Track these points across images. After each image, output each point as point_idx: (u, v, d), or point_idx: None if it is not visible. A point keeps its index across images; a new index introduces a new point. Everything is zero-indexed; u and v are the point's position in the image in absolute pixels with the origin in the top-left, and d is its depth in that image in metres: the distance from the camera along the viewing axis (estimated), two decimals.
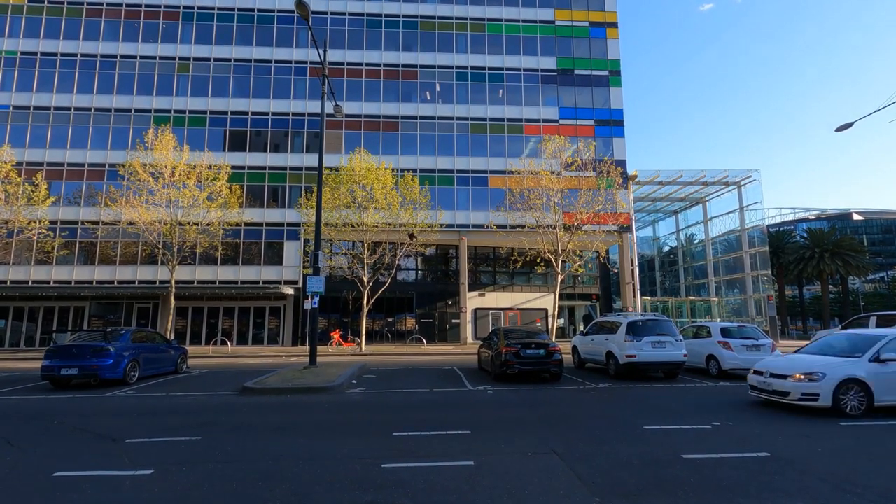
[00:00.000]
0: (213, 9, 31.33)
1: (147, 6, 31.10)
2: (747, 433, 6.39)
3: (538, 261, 25.12)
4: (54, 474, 4.82)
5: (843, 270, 40.54)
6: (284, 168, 29.93)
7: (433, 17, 32.31)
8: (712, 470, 4.81)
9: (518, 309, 31.58)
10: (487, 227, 27.68)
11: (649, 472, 4.76)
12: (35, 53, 30.06)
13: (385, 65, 31.47)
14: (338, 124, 29.78)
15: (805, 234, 46.41)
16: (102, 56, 30.35)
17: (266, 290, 27.61)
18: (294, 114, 30.49)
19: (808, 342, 11.30)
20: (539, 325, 31.19)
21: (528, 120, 31.43)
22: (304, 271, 26.64)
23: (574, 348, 15.45)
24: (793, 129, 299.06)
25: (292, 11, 30.75)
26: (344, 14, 31.86)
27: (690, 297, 40.51)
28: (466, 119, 31.15)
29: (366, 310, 23.61)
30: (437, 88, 31.55)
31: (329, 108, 18.27)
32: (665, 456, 5.30)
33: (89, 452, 5.72)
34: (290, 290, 27.91)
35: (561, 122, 31.39)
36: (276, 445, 5.87)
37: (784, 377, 7.78)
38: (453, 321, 30.35)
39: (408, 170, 26.66)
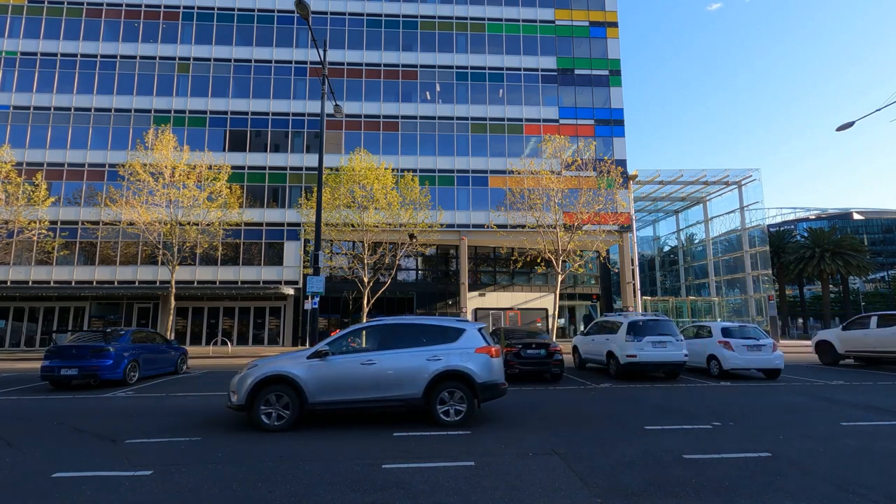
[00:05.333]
0: (213, 9, 31.32)
1: (147, 6, 31.10)
2: (749, 433, 6.38)
3: (538, 261, 25.10)
4: (53, 475, 4.81)
5: (844, 270, 40.45)
6: (284, 168, 29.92)
7: (433, 17, 32.29)
8: (714, 470, 4.79)
9: (518, 309, 31.56)
10: (488, 227, 27.66)
11: (651, 472, 4.74)
12: (35, 54, 30.06)
13: (385, 65, 31.45)
14: (338, 124, 29.77)
15: (805, 234, 46.32)
16: (102, 56, 30.36)
17: (266, 290, 27.59)
18: (294, 114, 30.48)
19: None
20: (539, 324, 31.17)
21: (528, 120, 31.41)
22: (304, 271, 26.64)
23: (575, 348, 15.43)
24: (794, 128, 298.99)
25: (292, 11, 30.76)
26: (344, 14, 31.85)
27: (691, 297, 40.47)
28: (466, 119, 31.14)
29: (366, 310, 23.58)
30: (437, 88, 31.53)
31: (329, 108, 18.28)
32: (666, 456, 5.28)
33: (89, 453, 5.70)
34: (290, 291, 27.90)
35: (561, 121, 31.37)
36: (275, 446, 5.86)
37: None
38: None
39: (408, 170, 26.63)
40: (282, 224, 29.22)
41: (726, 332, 12.65)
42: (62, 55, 30.15)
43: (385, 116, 30.83)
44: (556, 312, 23.98)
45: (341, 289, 27.66)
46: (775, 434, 6.31)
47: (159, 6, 31.15)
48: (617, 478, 4.59)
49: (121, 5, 31.00)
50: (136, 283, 28.15)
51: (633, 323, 12.08)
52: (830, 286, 47.10)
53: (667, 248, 49.75)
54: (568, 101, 31.74)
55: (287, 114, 30.46)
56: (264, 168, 29.83)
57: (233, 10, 31.41)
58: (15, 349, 27.17)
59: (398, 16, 32.11)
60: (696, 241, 43.09)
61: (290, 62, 31.10)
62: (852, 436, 6.25)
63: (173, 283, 22.29)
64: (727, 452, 5.43)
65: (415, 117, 30.95)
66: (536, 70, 31.97)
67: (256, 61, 30.90)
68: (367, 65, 31.35)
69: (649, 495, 4.14)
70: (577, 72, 32.07)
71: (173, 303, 22.48)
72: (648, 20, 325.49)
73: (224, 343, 25.75)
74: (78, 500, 4.17)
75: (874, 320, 14.01)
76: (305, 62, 31.05)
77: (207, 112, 30.16)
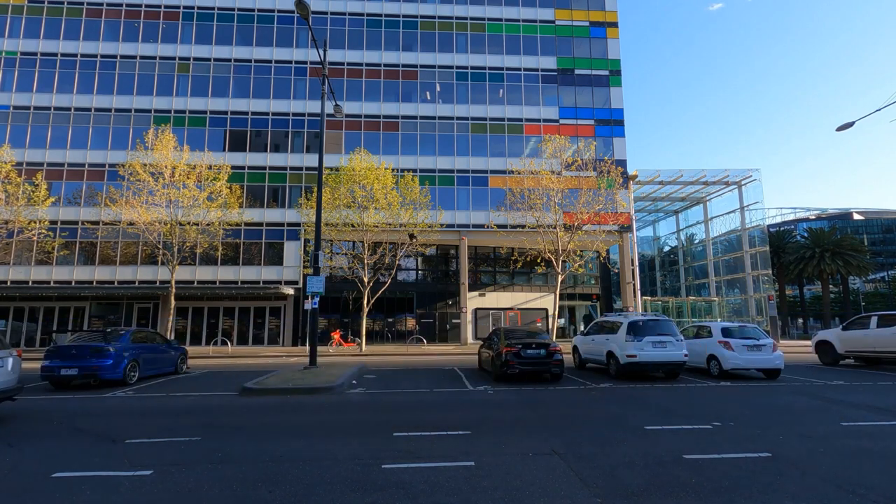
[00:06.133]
0: (213, 9, 31.33)
1: (147, 6, 31.11)
2: (748, 433, 6.37)
3: (538, 261, 25.11)
4: (53, 475, 4.81)
5: (844, 270, 40.45)
6: (284, 168, 29.92)
7: (433, 17, 32.29)
8: (714, 470, 4.79)
9: (518, 309, 31.56)
10: (488, 226, 27.66)
11: (651, 472, 4.74)
12: (35, 54, 30.07)
13: (385, 65, 31.46)
14: (338, 124, 29.77)
15: (805, 234, 46.32)
16: (102, 56, 30.36)
17: (266, 290, 27.60)
18: (294, 114, 30.48)
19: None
20: (539, 325, 31.17)
21: (528, 120, 31.41)
22: (304, 271, 26.64)
23: (575, 348, 15.43)
24: (794, 128, 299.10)
25: (292, 11, 30.76)
26: (344, 14, 31.86)
27: (691, 297, 40.45)
28: (466, 119, 31.14)
29: (366, 310, 23.59)
30: (437, 88, 31.53)
31: (329, 108, 18.26)
32: (666, 456, 5.28)
33: (88, 453, 5.70)
34: (290, 291, 27.90)
35: (561, 121, 31.37)
36: (275, 446, 5.86)
37: None
38: (454, 321, 30.33)
39: (408, 170, 26.66)
40: (282, 224, 29.23)
41: (726, 332, 12.64)
42: (62, 55, 30.15)
43: (385, 116, 30.83)
44: (556, 312, 23.98)
45: (341, 289, 27.66)
46: (775, 434, 6.30)
47: (159, 6, 31.15)
48: (617, 478, 4.59)
49: (121, 5, 31.01)
50: (136, 283, 28.15)
51: (633, 323, 12.07)
52: (830, 286, 47.11)
53: (667, 249, 49.77)
54: (568, 102, 31.75)
55: (287, 114, 30.46)
56: (264, 168, 29.83)
57: (233, 10, 31.41)
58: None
59: (398, 16, 32.11)
60: (696, 242, 43.10)
61: (290, 62, 31.10)
62: (852, 436, 6.25)
63: (173, 282, 22.29)
64: (727, 452, 5.43)
65: (415, 117, 30.95)
66: (536, 70, 31.97)
67: (256, 61, 30.91)
68: (367, 65, 31.35)
69: (649, 495, 4.13)
70: (577, 72, 32.07)
71: (173, 303, 22.49)
72: (649, 20, 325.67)
73: (224, 343, 25.75)
74: (78, 500, 4.17)
75: (874, 320, 14.00)
76: (305, 62, 31.06)
77: (207, 112, 30.16)
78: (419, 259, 31.40)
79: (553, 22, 32.71)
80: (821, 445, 5.75)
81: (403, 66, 31.56)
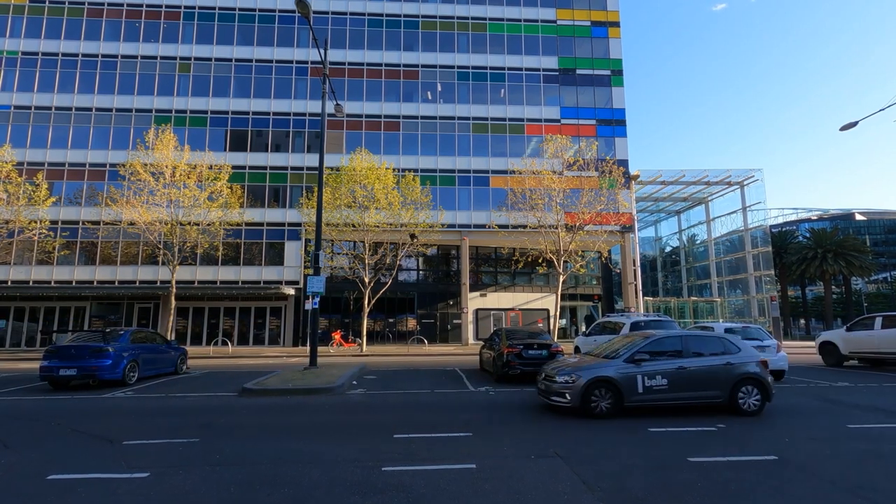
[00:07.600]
0: (214, 8, 31.29)
1: (148, 6, 31.08)
2: (754, 436, 6.29)
3: (540, 261, 25.03)
4: (49, 477, 4.74)
5: (846, 271, 40.32)
6: (285, 168, 29.87)
7: (434, 17, 32.24)
8: (720, 474, 4.71)
9: (520, 309, 31.47)
10: (489, 227, 27.58)
11: (655, 476, 4.66)
12: (36, 53, 30.06)
13: (386, 64, 31.40)
14: (339, 124, 29.72)
15: (808, 235, 46.21)
16: (103, 56, 30.34)
17: (267, 290, 27.54)
18: (295, 114, 30.43)
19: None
20: (541, 325, 31.07)
21: (529, 120, 31.33)
22: (304, 271, 26.58)
23: (576, 349, 15.36)
24: (796, 128, 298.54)
25: (293, 11, 30.70)
26: (345, 14, 31.81)
27: (693, 298, 40.35)
28: (468, 119, 31.06)
29: (367, 310, 23.53)
30: (439, 88, 31.47)
31: (330, 107, 18.23)
32: (671, 459, 5.20)
33: (85, 455, 5.64)
34: (290, 291, 27.84)
35: (563, 121, 31.28)
36: (275, 447, 5.79)
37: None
38: (455, 322, 30.25)
39: (409, 170, 26.58)
40: (283, 224, 29.18)
41: (729, 333, 12.50)
42: (63, 55, 30.14)
43: (386, 116, 30.77)
44: (558, 313, 23.89)
45: (342, 289, 27.60)
46: (781, 436, 6.23)
47: (160, 6, 31.13)
48: (621, 481, 4.51)
49: (122, 5, 30.99)
50: (137, 283, 28.12)
51: (636, 324, 12.02)
52: (833, 287, 46.94)
53: (668, 249, 49.68)
54: (570, 101, 31.66)
55: (288, 113, 30.41)
56: (265, 168, 29.79)
57: (234, 9, 31.38)
58: (15, 349, 27.16)
59: (399, 15, 32.05)
60: (698, 242, 43.01)
61: (291, 62, 31.06)
62: (859, 438, 6.16)
63: (174, 283, 22.25)
64: (733, 455, 5.35)
65: (416, 117, 30.88)
66: (538, 70, 31.89)
67: (257, 61, 30.87)
68: (368, 64, 31.30)
69: (655, 499, 4.06)
70: (578, 72, 31.98)
71: (174, 303, 22.44)
72: (651, 20, 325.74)
73: (224, 343, 25.71)
74: (73, 502, 4.11)
75: (878, 321, 13.89)
76: (306, 62, 31.02)
77: (208, 112, 30.13)
78: (420, 259, 31.32)
79: (555, 21, 32.64)
80: (828, 448, 5.67)
81: (405, 65, 31.50)
